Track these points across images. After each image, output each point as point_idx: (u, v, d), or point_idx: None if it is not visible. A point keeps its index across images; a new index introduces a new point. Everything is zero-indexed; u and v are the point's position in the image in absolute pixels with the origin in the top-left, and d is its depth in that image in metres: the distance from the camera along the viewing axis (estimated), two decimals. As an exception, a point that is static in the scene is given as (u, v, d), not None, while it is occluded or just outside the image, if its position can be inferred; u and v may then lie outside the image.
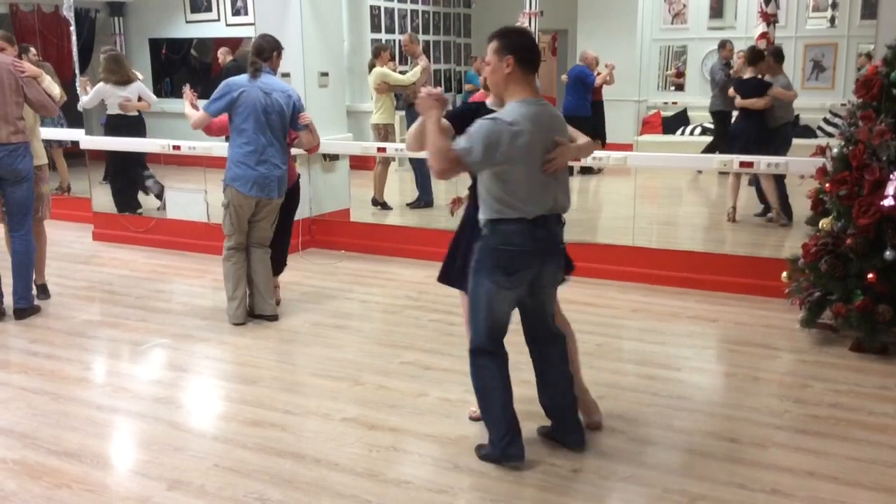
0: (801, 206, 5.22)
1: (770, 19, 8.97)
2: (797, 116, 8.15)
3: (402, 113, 9.22)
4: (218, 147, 7.39)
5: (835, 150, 4.81)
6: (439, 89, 3.35)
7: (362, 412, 3.97)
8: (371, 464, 3.46)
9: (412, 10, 12.55)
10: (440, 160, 3.16)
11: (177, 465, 3.48)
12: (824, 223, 4.76)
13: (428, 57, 9.17)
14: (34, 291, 5.66)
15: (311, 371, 4.56)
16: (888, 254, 4.45)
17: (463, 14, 13.78)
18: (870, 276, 4.51)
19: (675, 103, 12.98)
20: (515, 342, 3.53)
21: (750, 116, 7.48)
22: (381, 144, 8.14)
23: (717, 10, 12.77)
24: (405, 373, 4.48)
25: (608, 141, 10.60)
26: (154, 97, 7.99)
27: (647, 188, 8.42)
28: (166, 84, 8.84)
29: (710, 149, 9.57)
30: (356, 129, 8.81)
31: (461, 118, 3.38)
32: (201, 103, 5.27)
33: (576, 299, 5.68)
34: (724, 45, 10.23)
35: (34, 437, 3.74)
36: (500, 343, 3.42)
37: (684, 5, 12.82)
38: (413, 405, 4.05)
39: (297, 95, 5.26)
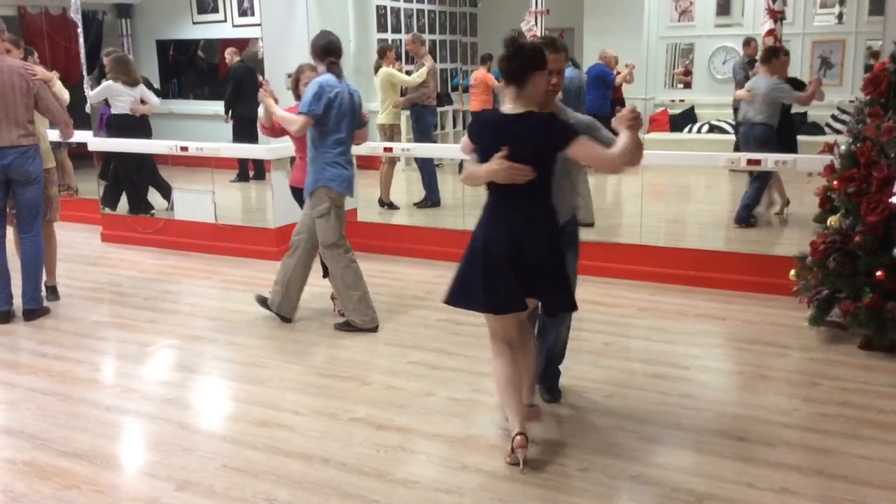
0: (810, 203, 5.20)
1: (777, 16, 8.93)
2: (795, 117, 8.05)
3: (408, 113, 9.21)
4: (226, 148, 7.43)
5: (843, 147, 4.79)
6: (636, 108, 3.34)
7: (370, 412, 3.97)
8: (379, 464, 3.46)
9: (418, 10, 12.54)
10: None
11: (185, 465, 3.49)
12: (832, 220, 4.75)
13: (434, 57, 9.17)
14: (43, 293, 5.68)
15: (318, 371, 4.56)
16: (897, 251, 4.44)
17: (469, 13, 13.76)
18: (878, 273, 4.49)
19: (682, 101, 12.95)
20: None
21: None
22: (388, 144, 8.15)
23: (724, 8, 12.72)
24: (412, 372, 4.48)
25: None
26: (156, 99, 8.01)
27: (654, 186, 8.40)
28: (174, 85, 8.87)
29: (737, 147, 9.56)
30: (362, 128, 8.79)
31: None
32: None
33: (584, 298, 5.64)
34: (748, 42, 10.18)
35: (44, 438, 3.76)
36: None
37: (691, 3, 12.78)
38: (420, 405, 4.05)
39: None
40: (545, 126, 3.25)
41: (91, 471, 3.46)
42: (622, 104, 11.19)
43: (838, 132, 7.99)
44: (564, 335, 4.04)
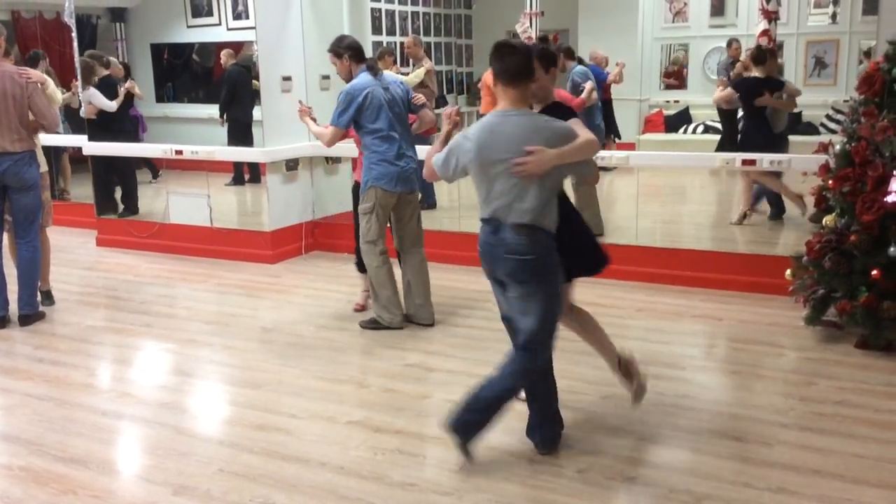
0: (806, 203, 5.21)
1: (771, 16, 8.94)
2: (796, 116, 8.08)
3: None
4: (221, 152, 7.42)
5: (837, 147, 4.80)
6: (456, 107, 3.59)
7: (367, 415, 3.97)
8: (376, 467, 3.46)
9: (413, 12, 12.54)
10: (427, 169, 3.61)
11: (182, 469, 3.48)
12: (828, 220, 4.75)
13: (430, 58, 9.17)
14: (38, 298, 5.67)
15: (315, 374, 4.55)
16: (892, 250, 4.44)
17: (464, 15, 13.77)
18: (874, 272, 4.50)
19: (677, 102, 12.97)
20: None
21: (755, 118, 7.44)
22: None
23: (718, 8, 12.75)
24: (410, 375, 4.48)
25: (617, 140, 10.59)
26: (106, 102, 7.99)
27: (650, 187, 8.41)
28: (168, 89, 8.85)
29: (720, 147, 9.57)
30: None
31: None
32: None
33: (580, 299, 5.65)
34: (730, 43, 10.24)
35: (40, 444, 3.75)
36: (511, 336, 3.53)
37: (685, 3, 12.80)
38: (418, 407, 4.05)
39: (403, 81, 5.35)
40: (553, 124, 3.38)
41: (87, 476, 3.45)
42: (611, 103, 11.22)
43: (833, 132, 8.01)
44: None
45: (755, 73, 7.43)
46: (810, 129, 10.60)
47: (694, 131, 12.45)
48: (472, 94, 12.91)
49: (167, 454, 3.63)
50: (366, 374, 4.52)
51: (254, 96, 7.26)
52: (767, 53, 7.40)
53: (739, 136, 7.70)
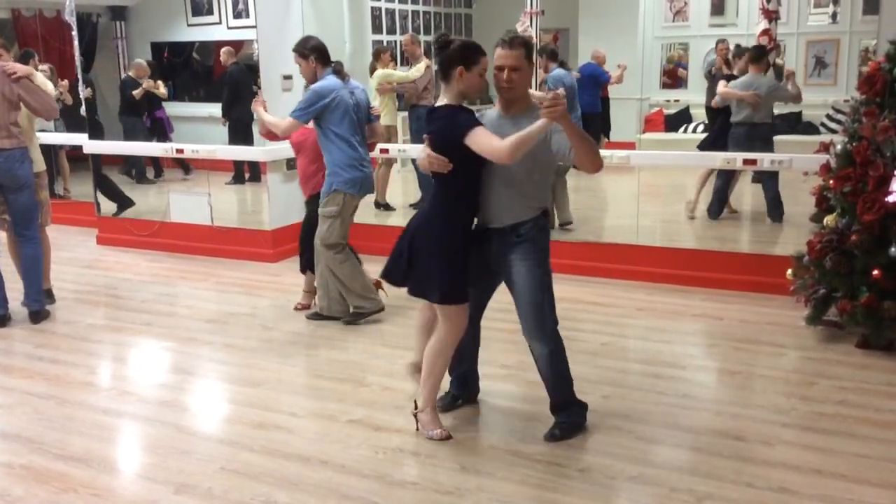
0: (806, 203, 5.20)
1: (772, 16, 8.94)
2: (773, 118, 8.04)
3: (405, 114, 9.20)
4: (222, 150, 7.42)
5: (838, 147, 4.80)
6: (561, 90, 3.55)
7: (368, 413, 3.96)
8: (377, 465, 3.45)
9: (413, 11, 12.54)
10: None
11: (183, 468, 3.48)
12: (829, 220, 4.75)
13: (429, 57, 9.16)
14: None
15: (315, 373, 4.55)
16: (893, 250, 4.44)
17: (464, 14, 13.77)
18: (875, 272, 4.50)
19: (677, 101, 12.96)
20: (521, 340, 3.52)
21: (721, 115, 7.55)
22: (384, 146, 8.13)
23: (718, 8, 12.74)
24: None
25: (611, 138, 10.60)
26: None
27: (650, 186, 8.40)
28: (169, 88, 8.85)
29: (703, 144, 9.58)
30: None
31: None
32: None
33: (581, 298, 5.68)
34: (717, 44, 10.32)
35: (40, 442, 3.74)
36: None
37: (685, 3, 12.80)
38: (418, 406, 4.04)
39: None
40: (447, 119, 3.39)
41: (88, 474, 3.45)
42: (608, 103, 11.22)
43: (833, 132, 8.00)
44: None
45: (753, 72, 7.44)
46: (811, 128, 10.60)
47: (694, 130, 12.43)
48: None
49: (168, 452, 3.63)
50: (366, 372, 4.52)
51: (254, 95, 7.25)
52: (763, 52, 7.44)
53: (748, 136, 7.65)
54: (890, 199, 4.43)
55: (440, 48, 3.43)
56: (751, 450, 3.52)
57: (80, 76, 8.02)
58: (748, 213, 7.78)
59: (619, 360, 4.64)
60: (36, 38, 10.08)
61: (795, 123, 10.79)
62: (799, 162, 5.81)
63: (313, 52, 5.12)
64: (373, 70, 8.80)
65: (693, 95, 12.59)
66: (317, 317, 5.42)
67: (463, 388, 4.00)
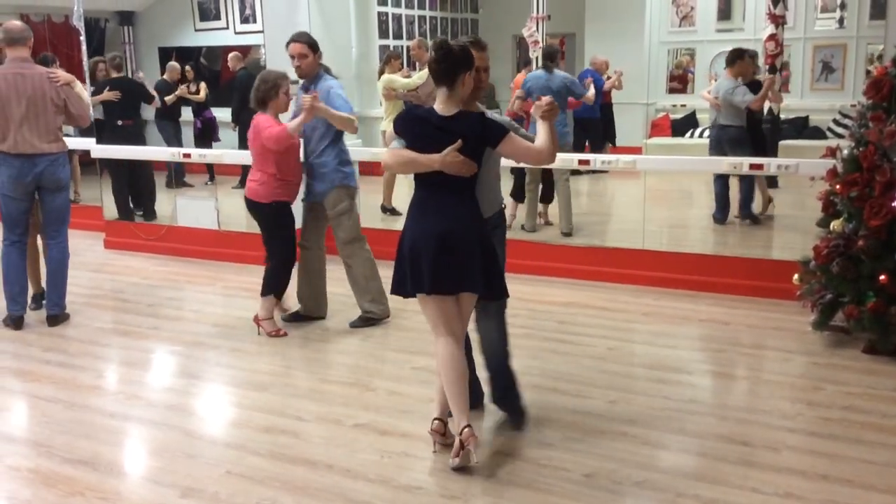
0: (812, 208, 5.20)
1: (778, 21, 8.92)
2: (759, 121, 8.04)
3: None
4: (229, 155, 7.44)
5: (845, 152, 4.79)
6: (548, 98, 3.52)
7: (374, 418, 3.97)
8: (383, 469, 3.46)
9: (420, 16, 12.57)
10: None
11: (190, 472, 3.49)
12: (835, 225, 4.74)
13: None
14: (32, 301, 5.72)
15: (322, 377, 4.56)
16: (900, 255, 4.43)
17: (470, 19, 13.79)
18: (882, 277, 4.49)
19: (683, 106, 12.95)
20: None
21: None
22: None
23: (724, 12, 12.74)
24: (416, 378, 4.48)
25: (617, 144, 10.60)
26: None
27: (656, 191, 8.40)
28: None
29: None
30: (365, 135, 8.84)
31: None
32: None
33: (587, 303, 5.68)
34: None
35: (48, 445, 3.76)
36: None
37: (692, 8, 12.80)
38: (425, 410, 4.04)
39: None
40: (481, 124, 3.40)
41: (95, 478, 3.46)
42: (611, 108, 11.27)
43: (840, 136, 8.00)
44: (496, 339, 3.79)
45: (725, 75, 7.50)
46: (817, 133, 10.59)
47: (700, 135, 12.42)
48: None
49: (175, 456, 3.64)
50: (372, 377, 4.53)
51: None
52: (736, 55, 7.49)
53: (717, 139, 7.67)
54: (897, 204, 4.43)
55: (443, 55, 3.35)
56: (757, 455, 3.51)
57: (87, 81, 8.06)
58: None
59: (625, 365, 4.63)
60: (44, 44, 10.14)
61: (802, 128, 10.80)
62: (805, 167, 5.80)
63: (318, 49, 5.17)
64: (381, 74, 8.84)
65: (699, 100, 12.58)
66: (365, 322, 5.37)
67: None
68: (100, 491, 3.36)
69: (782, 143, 8.45)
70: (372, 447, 3.67)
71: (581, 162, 6.55)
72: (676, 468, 3.43)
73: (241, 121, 8.06)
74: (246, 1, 8.23)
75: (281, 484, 3.36)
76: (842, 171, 4.76)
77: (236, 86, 8.16)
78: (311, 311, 5.48)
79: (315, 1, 7.06)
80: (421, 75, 8.58)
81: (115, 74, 8.09)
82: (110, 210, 8.08)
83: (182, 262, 7.26)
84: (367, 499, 3.23)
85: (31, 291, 5.78)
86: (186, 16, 8.28)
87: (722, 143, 7.35)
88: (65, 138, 5.55)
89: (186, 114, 8.71)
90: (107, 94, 7.89)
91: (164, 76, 8.47)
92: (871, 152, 4.56)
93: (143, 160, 8.06)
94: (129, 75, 8.56)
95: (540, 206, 7.69)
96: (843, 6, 11.78)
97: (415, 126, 3.49)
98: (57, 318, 5.52)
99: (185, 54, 8.90)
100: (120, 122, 7.97)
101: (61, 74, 5.43)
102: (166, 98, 8.33)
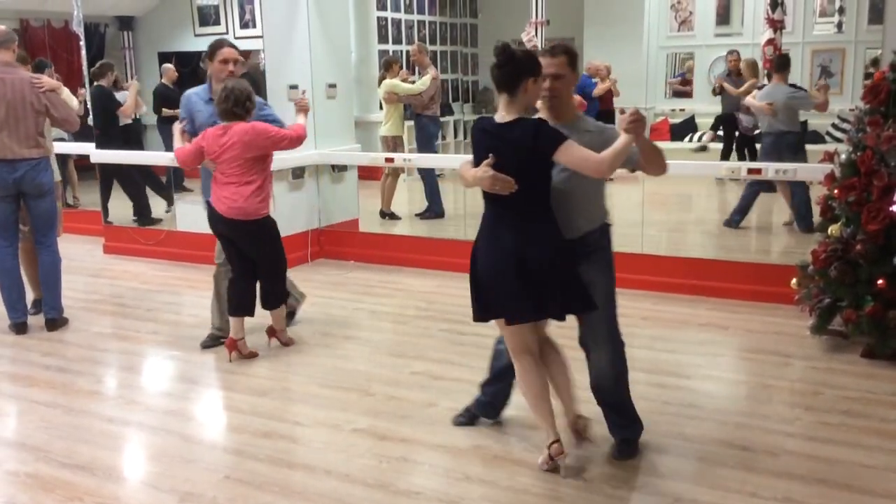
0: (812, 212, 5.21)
1: (777, 25, 8.96)
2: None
3: (411, 123, 9.22)
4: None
5: (843, 156, 4.80)
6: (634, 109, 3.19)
7: (372, 423, 3.97)
8: (381, 474, 3.46)
9: (419, 21, 12.59)
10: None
11: (188, 477, 3.49)
12: (833, 229, 4.75)
13: (435, 67, 9.20)
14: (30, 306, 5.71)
15: (320, 382, 4.56)
16: (898, 259, 4.44)
17: (469, 24, 13.81)
18: (880, 282, 4.50)
19: (682, 110, 12.97)
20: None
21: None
22: (390, 155, 8.16)
23: (723, 17, 12.77)
24: (415, 383, 4.48)
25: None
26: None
27: (655, 195, 8.41)
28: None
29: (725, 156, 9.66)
30: (364, 139, 8.85)
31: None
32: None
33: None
34: (728, 54, 10.36)
35: (46, 450, 3.76)
36: None
37: (690, 13, 12.83)
38: (423, 415, 4.05)
39: None
40: (533, 132, 3.16)
41: (94, 482, 3.46)
42: (610, 114, 11.31)
43: (839, 141, 8.01)
44: (607, 367, 3.60)
45: (777, 81, 7.42)
46: (816, 137, 10.60)
47: (699, 140, 12.44)
48: (478, 101, 12.95)
49: (173, 461, 3.64)
50: (371, 381, 4.53)
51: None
52: (786, 61, 7.51)
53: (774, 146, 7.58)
54: (894, 208, 4.43)
55: (506, 60, 3.18)
56: (756, 459, 3.51)
57: (87, 86, 8.08)
58: (753, 222, 7.77)
59: (623, 370, 4.63)
60: (44, 48, 10.17)
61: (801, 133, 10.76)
62: (804, 171, 5.82)
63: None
64: (381, 80, 8.85)
65: (699, 104, 12.61)
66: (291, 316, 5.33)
67: (488, 408, 3.91)
68: (98, 496, 3.35)
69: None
70: (370, 452, 3.66)
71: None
72: (675, 473, 3.43)
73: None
74: (245, 6, 8.23)
75: (279, 489, 3.36)
76: (839, 176, 4.76)
77: None
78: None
79: (314, 5, 7.07)
80: (424, 81, 8.59)
81: (96, 83, 8.09)
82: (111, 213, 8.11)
83: (181, 267, 7.26)
84: (365, 504, 3.23)
85: (31, 297, 5.79)
86: (186, 21, 8.27)
87: (781, 149, 7.15)
88: (63, 143, 5.56)
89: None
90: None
91: (162, 80, 8.47)
92: (869, 157, 4.57)
93: (127, 165, 8.06)
94: (129, 80, 8.57)
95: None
96: (841, 11, 11.81)
97: (475, 135, 3.35)
98: (55, 322, 5.52)
99: (185, 59, 8.90)
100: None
101: (46, 81, 5.41)
102: (164, 111, 8.32)
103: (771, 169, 6.02)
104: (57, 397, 4.40)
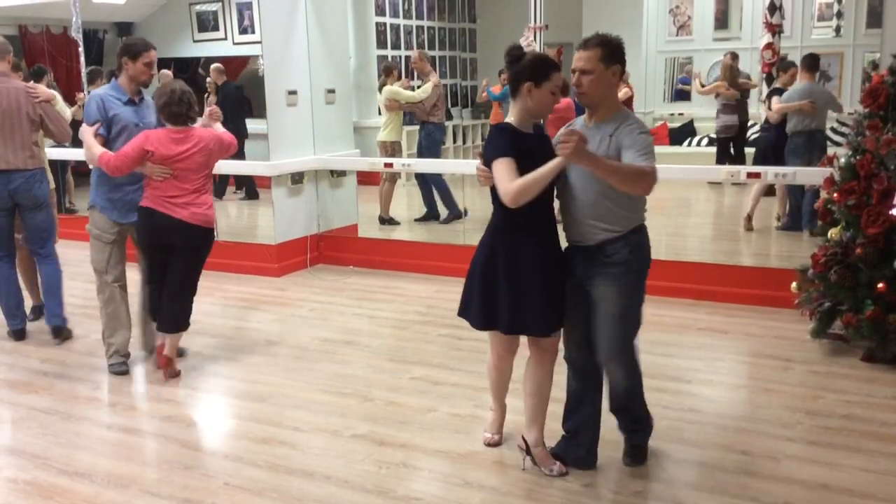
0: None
1: (775, 30, 8.97)
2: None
3: (410, 129, 9.21)
4: (226, 165, 7.44)
5: (842, 160, 4.80)
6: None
7: (372, 429, 3.96)
8: (381, 480, 3.45)
9: (417, 27, 12.61)
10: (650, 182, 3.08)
11: (187, 483, 3.48)
12: (833, 233, 4.75)
13: (435, 72, 9.20)
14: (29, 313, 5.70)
15: (319, 388, 4.55)
16: (898, 263, 4.43)
17: (468, 29, 13.84)
18: (879, 285, 4.49)
19: (681, 114, 12.99)
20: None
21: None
22: (388, 160, 8.16)
23: (721, 21, 12.81)
24: (414, 388, 4.47)
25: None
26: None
27: (654, 199, 8.41)
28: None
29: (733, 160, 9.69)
30: (363, 144, 8.86)
31: (518, 150, 3.14)
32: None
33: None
34: (725, 55, 10.39)
35: (45, 457, 3.75)
36: None
37: (689, 17, 12.87)
38: (422, 421, 4.04)
39: None
40: (490, 139, 3.27)
41: (93, 490, 3.45)
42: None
43: (838, 145, 8.02)
44: (616, 384, 3.49)
45: (807, 80, 7.39)
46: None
47: (698, 144, 12.46)
48: (476, 106, 12.97)
49: (172, 468, 3.63)
50: (370, 387, 4.52)
51: (246, 113, 7.29)
52: (816, 60, 7.47)
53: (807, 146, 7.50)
54: (894, 211, 4.43)
55: (511, 62, 3.17)
56: (756, 464, 3.50)
57: (85, 92, 8.07)
58: (753, 224, 7.76)
59: (623, 374, 4.62)
60: (42, 55, 10.16)
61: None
62: (803, 175, 5.82)
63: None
64: (382, 86, 8.85)
65: (697, 109, 12.62)
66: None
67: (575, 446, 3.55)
68: (97, 503, 3.34)
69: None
70: (370, 458, 3.65)
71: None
72: (675, 478, 3.42)
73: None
74: (244, 12, 8.26)
75: (278, 495, 3.35)
76: (839, 180, 4.76)
77: (221, 99, 8.17)
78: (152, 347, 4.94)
79: (313, 11, 7.08)
80: (425, 88, 8.58)
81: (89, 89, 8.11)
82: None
83: (180, 273, 7.24)
84: (365, 510, 3.22)
85: (31, 303, 5.78)
86: (185, 27, 8.30)
87: (813, 148, 7.09)
88: (61, 148, 5.53)
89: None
90: None
91: (159, 85, 8.50)
92: (868, 160, 4.57)
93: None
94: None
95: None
96: (839, 15, 11.84)
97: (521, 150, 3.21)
98: (60, 329, 5.46)
99: (184, 65, 8.91)
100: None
101: (42, 91, 5.39)
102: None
103: (770, 172, 6.02)
104: (56, 404, 4.39)
